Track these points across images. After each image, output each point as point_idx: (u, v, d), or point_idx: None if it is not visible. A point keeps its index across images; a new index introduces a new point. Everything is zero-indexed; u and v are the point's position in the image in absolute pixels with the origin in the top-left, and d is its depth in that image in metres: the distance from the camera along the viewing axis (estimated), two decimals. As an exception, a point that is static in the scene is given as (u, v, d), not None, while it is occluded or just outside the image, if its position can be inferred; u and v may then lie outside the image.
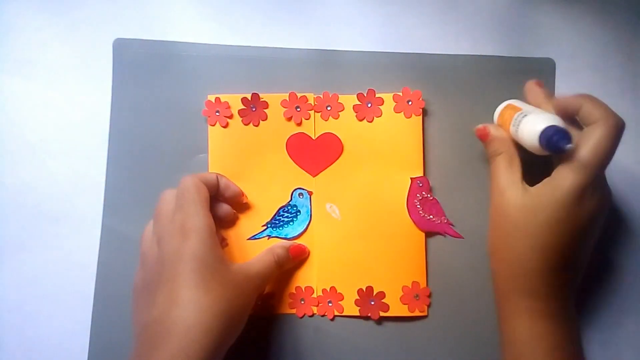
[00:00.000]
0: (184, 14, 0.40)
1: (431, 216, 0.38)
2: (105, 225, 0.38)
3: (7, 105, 0.39)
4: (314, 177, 0.38)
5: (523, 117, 0.31)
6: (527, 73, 0.35)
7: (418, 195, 0.38)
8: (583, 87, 0.40)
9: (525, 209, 0.30)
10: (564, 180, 0.29)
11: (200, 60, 0.39)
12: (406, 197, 0.38)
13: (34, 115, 0.39)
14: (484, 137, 0.35)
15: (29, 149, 0.39)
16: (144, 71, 0.39)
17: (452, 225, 0.38)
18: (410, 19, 0.41)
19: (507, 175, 0.32)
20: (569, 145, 0.28)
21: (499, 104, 0.38)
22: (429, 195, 0.38)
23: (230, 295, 0.29)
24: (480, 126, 0.35)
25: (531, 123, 0.30)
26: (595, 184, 0.29)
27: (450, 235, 0.38)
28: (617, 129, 0.29)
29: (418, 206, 0.38)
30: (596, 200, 0.30)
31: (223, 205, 0.36)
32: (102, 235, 0.38)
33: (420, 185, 0.38)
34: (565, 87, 0.40)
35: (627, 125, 0.41)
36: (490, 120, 0.39)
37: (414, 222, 0.38)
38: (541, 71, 0.40)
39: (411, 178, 0.38)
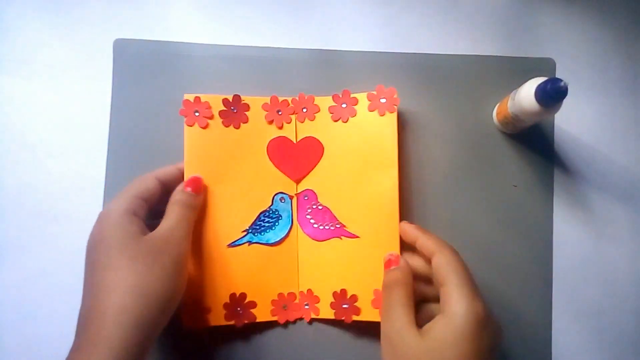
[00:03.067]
0: (184, 14, 0.40)
1: (325, 225, 0.37)
2: (105, 225, 0.38)
3: (7, 105, 0.39)
4: (295, 181, 0.38)
5: (518, 90, 0.34)
6: (527, 73, 0.35)
7: (308, 208, 0.37)
8: (583, 87, 0.40)
9: (424, 355, 0.27)
10: (458, 312, 0.27)
11: (201, 61, 0.39)
12: (295, 213, 0.37)
13: (34, 115, 0.39)
14: (386, 265, 0.34)
15: (29, 149, 0.39)
16: (144, 71, 0.39)
17: (345, 227, 0.37)
18: (410, 19, 0.41)
19: (400, 315, 0.29)
20: (563, 82, 0.29)
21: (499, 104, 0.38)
22: (319, 206, 0.37)
23: (141, 267, 0.28)
24: (386, 255, 0.35)
25: (525, 88, 0.32)
26: (486, 311, 0.28)
27: (346, 237, 0.37)
28: (455, 253, 0.31)
29: (311, 220, 0.37)
30: (492, 330, 0.28)
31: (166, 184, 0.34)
32: (102, 235, 0.38)
33: (307, 198, 0.37)
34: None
35: (627, 125, 0.41)
36: (490, 119, 0.39)
37: (309, 236, 0.37)
38: (541, 71, 0.40)
39: (295, 194, 0.37)
